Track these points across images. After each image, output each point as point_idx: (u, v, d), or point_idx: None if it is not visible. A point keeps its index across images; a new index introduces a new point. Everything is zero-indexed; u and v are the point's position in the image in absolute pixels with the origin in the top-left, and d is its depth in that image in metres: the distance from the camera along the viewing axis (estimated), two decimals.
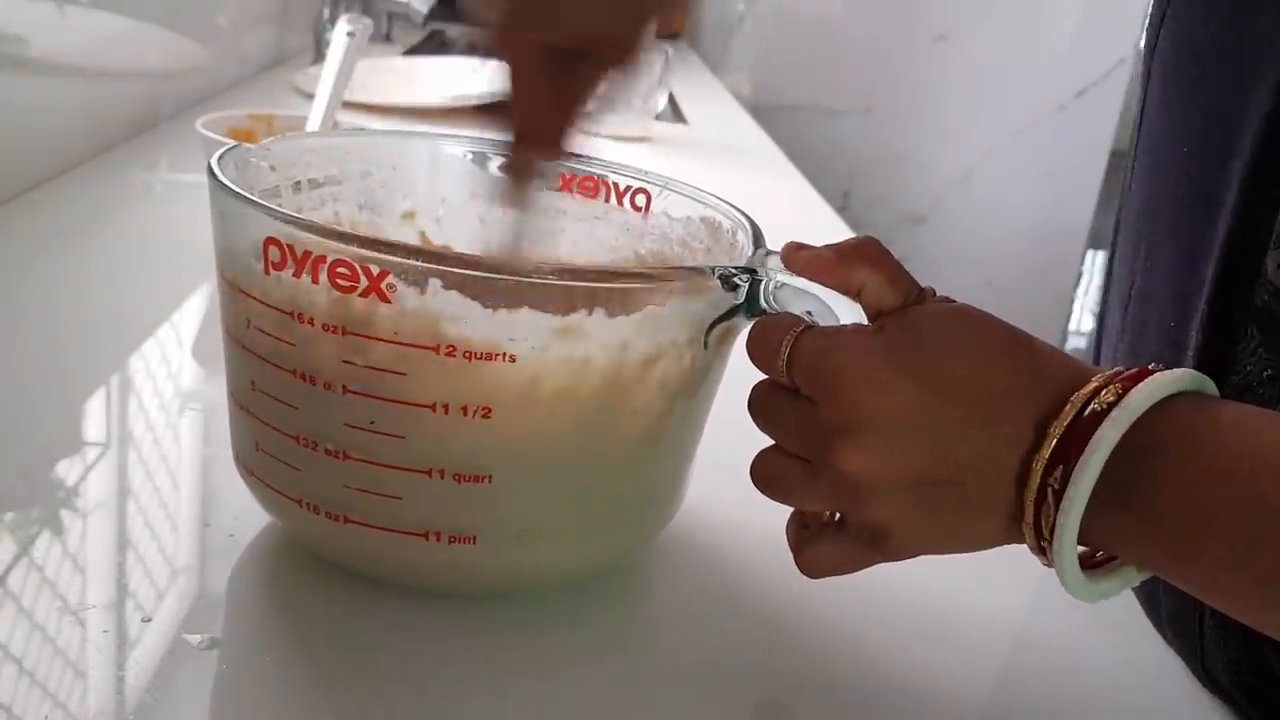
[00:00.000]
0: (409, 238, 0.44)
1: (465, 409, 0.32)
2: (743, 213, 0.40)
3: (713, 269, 0.34)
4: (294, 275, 0.31)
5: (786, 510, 0.43)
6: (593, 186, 0.44)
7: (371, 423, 0.32)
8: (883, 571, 0.42)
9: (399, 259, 0.30)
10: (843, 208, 2.36)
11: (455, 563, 0.34)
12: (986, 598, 0.42)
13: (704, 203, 0.42)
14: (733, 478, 0.40)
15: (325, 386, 0.32)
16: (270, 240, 0.31)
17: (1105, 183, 2.47)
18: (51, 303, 0.57)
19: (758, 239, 0.38)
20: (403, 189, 0.44)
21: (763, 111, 1.78)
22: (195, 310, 0.61)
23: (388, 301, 0.31)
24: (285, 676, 0.33)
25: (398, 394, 0.32)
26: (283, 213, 0.32)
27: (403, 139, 0.45)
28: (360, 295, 0.31)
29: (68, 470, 0.42)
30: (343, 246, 0.31)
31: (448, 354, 0.31)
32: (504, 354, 0.31)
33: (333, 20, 1.29)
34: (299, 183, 0.40)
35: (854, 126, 2.43)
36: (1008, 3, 2.36)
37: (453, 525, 0.33)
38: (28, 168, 0.73)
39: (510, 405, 0.32)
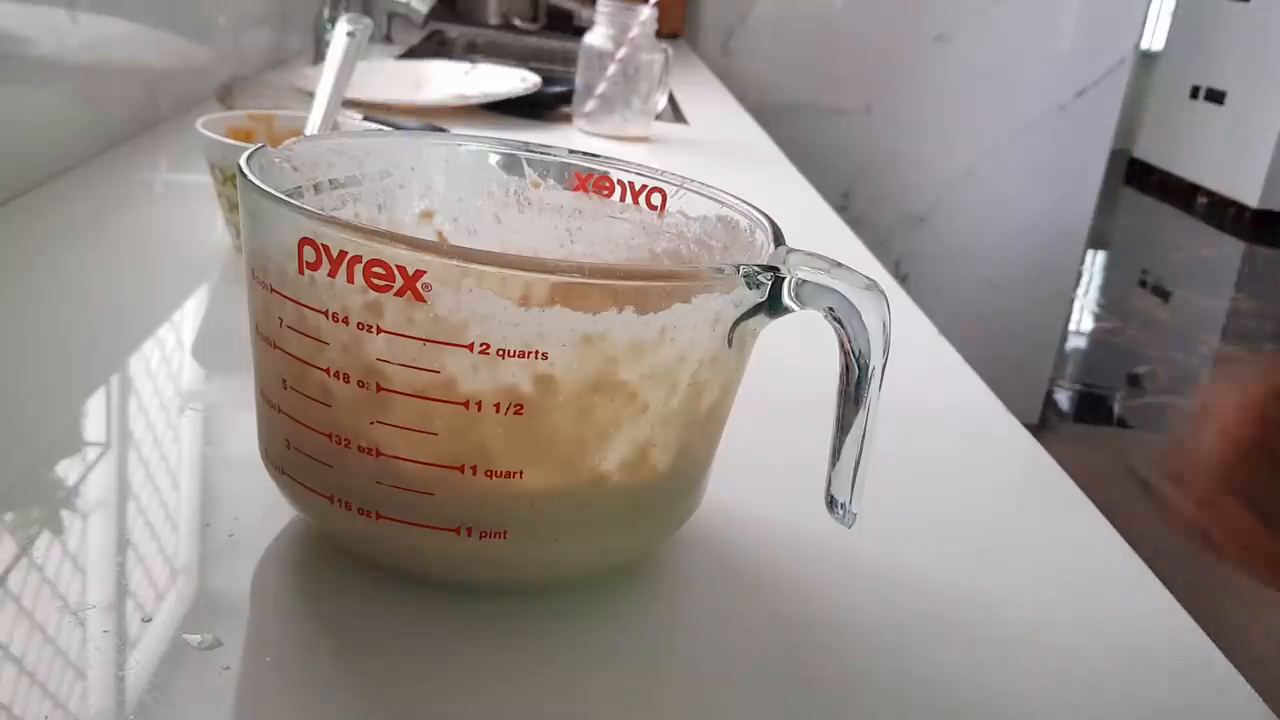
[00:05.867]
0: (427, 238, 0.44)
1: (498, 406, 0.32)
2: (761, 212, 0.40)
3: (738, 266, 0.34)
4: (329, 275, 0.32)
5: (803, 507, 0.43)
6: (608, 186, 0.44)
7: (404, 420, 0.33)
8: (908, 571, 0.43)
9: (435, 258, 0.31)
10: (843, 207, 2.36)
11: (486, 558, 0.35)
12: (1017, 600, 0.42)
13: (721, 202, 0.42)
14: (751, 475, 0.40)
15: (359, 385, 0.33)
16: (305, 240, 0.32)
17: (1105, 183, 2.47)
18: (51, 303, 0.57)
19: (778, 237, 0.38)
20: (420, 189, 0.44)
21: (763, 111, 1.79)
22: (195, 310, 0.61)
23: (423, 301, 0.31)
24: (289, 677, 0.33)
25: (431, 391, 0.32)
26: (318, 213, 0.32)
27: (422, 139, 0.45)
28: (395, 295, 0.31)
29: (68, 470, 0.42)
30: (378, 246, 0.31)
31: (481, 352, 0.31)
32: (536, 351, 0.32)
33: (333, 20, 1.29)
34: (319, 183, 0.40)
35: (854, 126, 2.44)
36: (1008, 3, 2.36)
37: (484, 521, 0.34)
38: (28, 168, 0.73)
39: (542, 402, 0.32)
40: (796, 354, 0.46)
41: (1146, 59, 4.19)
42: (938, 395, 0.60)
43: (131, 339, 0.54)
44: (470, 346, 0.31)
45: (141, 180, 0.84)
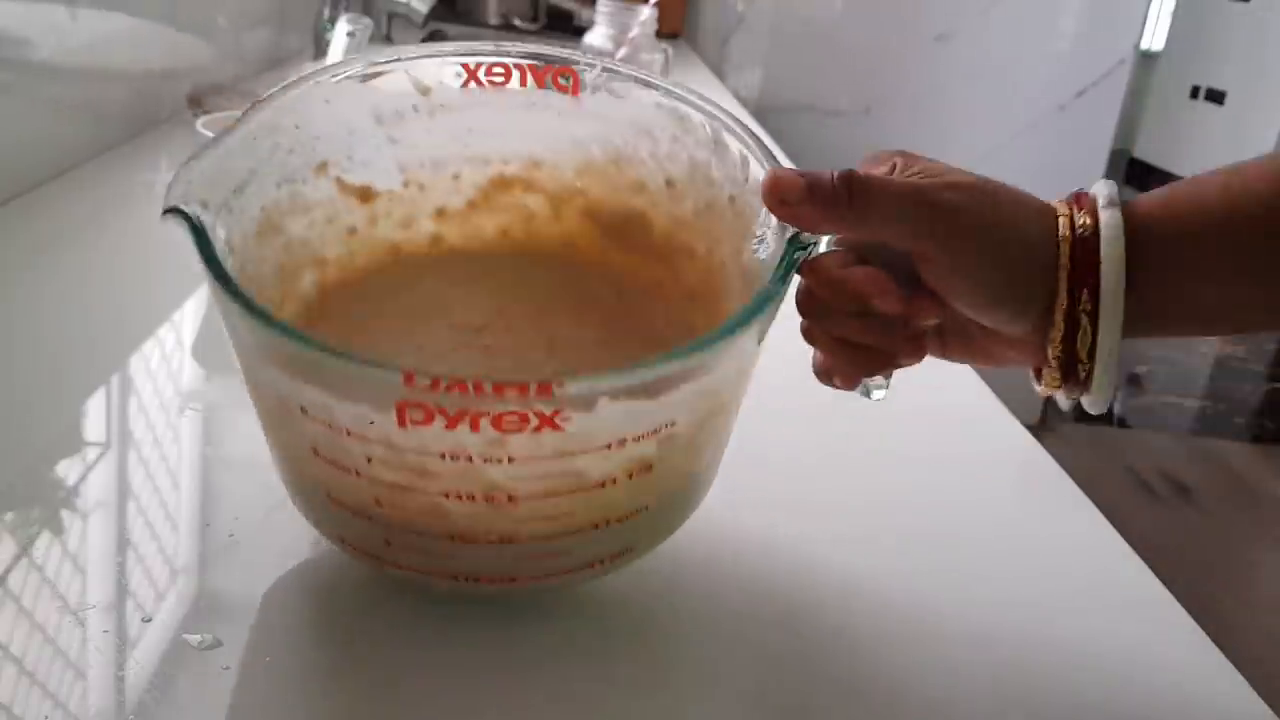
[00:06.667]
0: (326, 191, 0.40)
1: (630, 474, 0.31)
2: (743, 125, 0.38)
3: (783, 276, 0.33)
4: (445, 429, 0.28)
5: (801, 507, 0.43)
6: (503, 72, 0.39)
7: (538, 513, 0.31)
8: (907, 570, 0.43)
9: (572, 388, 0.28)
10: None
11: (606, 578, 0.35)
12: (1017, 600, 0.42)
13: (658, 87, 0.39)
14: (750, 475, 0.40)
15: (486, 500, 0.30)
16: (405, 404, 0.28)
17: None
18: (51, 303, 0.57)
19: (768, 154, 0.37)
20: (308, 143, 0.39)
21: (763, 111, 1.79)
22: (195, 310, 0.61)
23: (559, 430, 0.29)
24: (289, 677, 0.33)
25: (566, 488, 0.31)
26: (426, 375, 0.27)
27: (292, 91, 0.38)
28: (532, 432, 0.29)
29: (68, 470, 0.42)
30: (515, 396, 0.28)
31: (617, 447, 0.30)
32: (667, 425, 0.31)
33: (333, 20, 1.29)
34: (227, 201, 0.35)
35: (854, 126, 2.43)
36: (1008, 3, 2.36)
37: (615, 549, 0.34)
38: (28, 168, 0.73)
39: (670, 459, 0.32)
40: (800, 361, 0.46)
41: (1146, 59, 4.19)
42: (938, 395, 0.60)
43: (131, 339, 0.54)
44: (609, 446, 0.30)
45: (142, 180, 0.84)
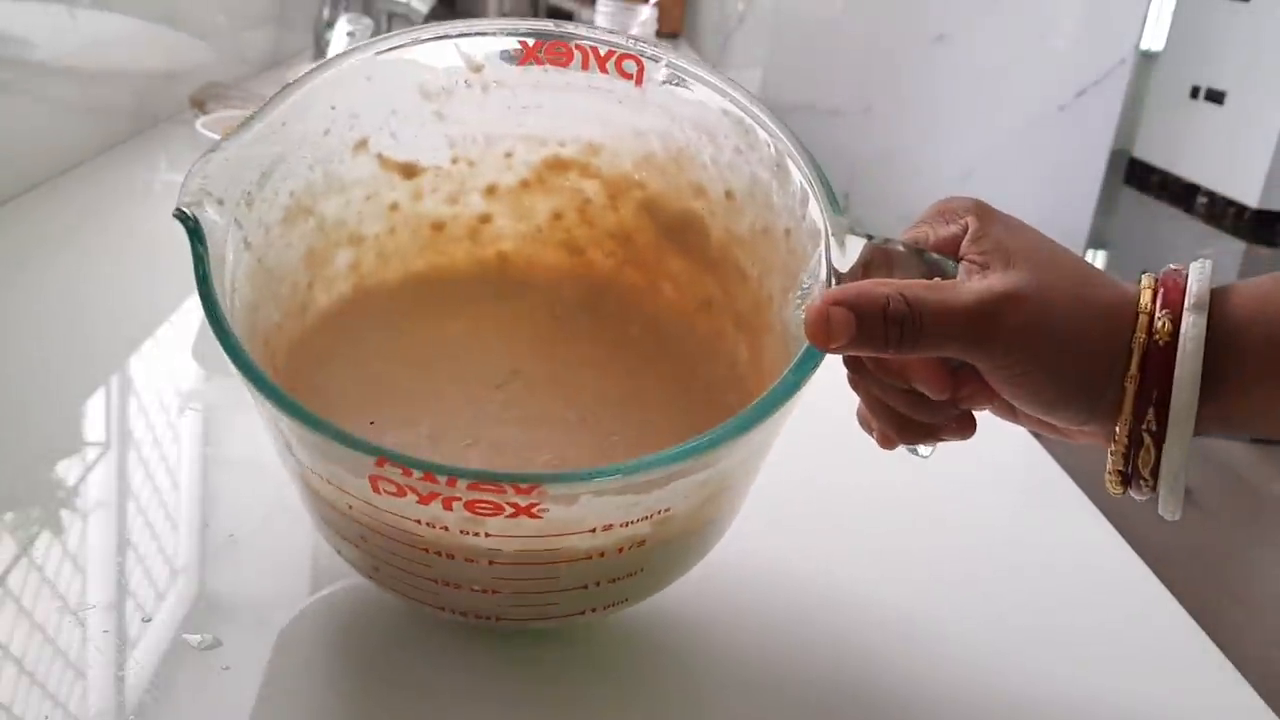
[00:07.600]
0: (366, 169, 0.39)
1: (620, 549, 0.31)
2: (809, 156, 0.35)
3: (811, 365, 0.31)
4: (418, 504, 0.28)
5: (802, 513, 0.43)
6: (565, 53, 0.37)
7: (522, 574, 0.31)
8: (907, 570, 0.43)
9: (550, 489, 0.27)
10: (843, 208, 2.35)
11: (604, 622, 0.35)
12: (1017, 600, 0.42)
13: (728, 95, 0.36)
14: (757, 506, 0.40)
15: (466, 560, 0.30)
16: (377, 478, 0.28)
17: (1105, 183, 2.47)
18: (51, 303, 0.57)
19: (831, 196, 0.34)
20: (346, 122, 0.37)
21: None
22: (195, 310, 0.61)
23: (537, 519, 0.28)
24: (290, 677, 0.33)
25: (550, 558, 0.30)
26: (395, 456, 0.27)
27: (328, 71, 0.36)
28: (506, 518, 0.28)
29: (68, 470, 0.42)
30: (490, 493, 0.27)
31: (604, 530, 0.30)
32: (658, 513, 0.30)
33: (333, 20, 1.29)
34: (248, 195, 0.34)
35: (854, 126, 2.43)
36: (1008, 3, 2.36)
37: (607, 601, 0.33)
38: (28, 168, 0.73)
39: (666, 533, 0.31)
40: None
41: (1146, 59, 4.19)
42: None
43: (131, 339, 0.54)
44: (593, 530, 0.29)
45: (141, 179, 0.84)
